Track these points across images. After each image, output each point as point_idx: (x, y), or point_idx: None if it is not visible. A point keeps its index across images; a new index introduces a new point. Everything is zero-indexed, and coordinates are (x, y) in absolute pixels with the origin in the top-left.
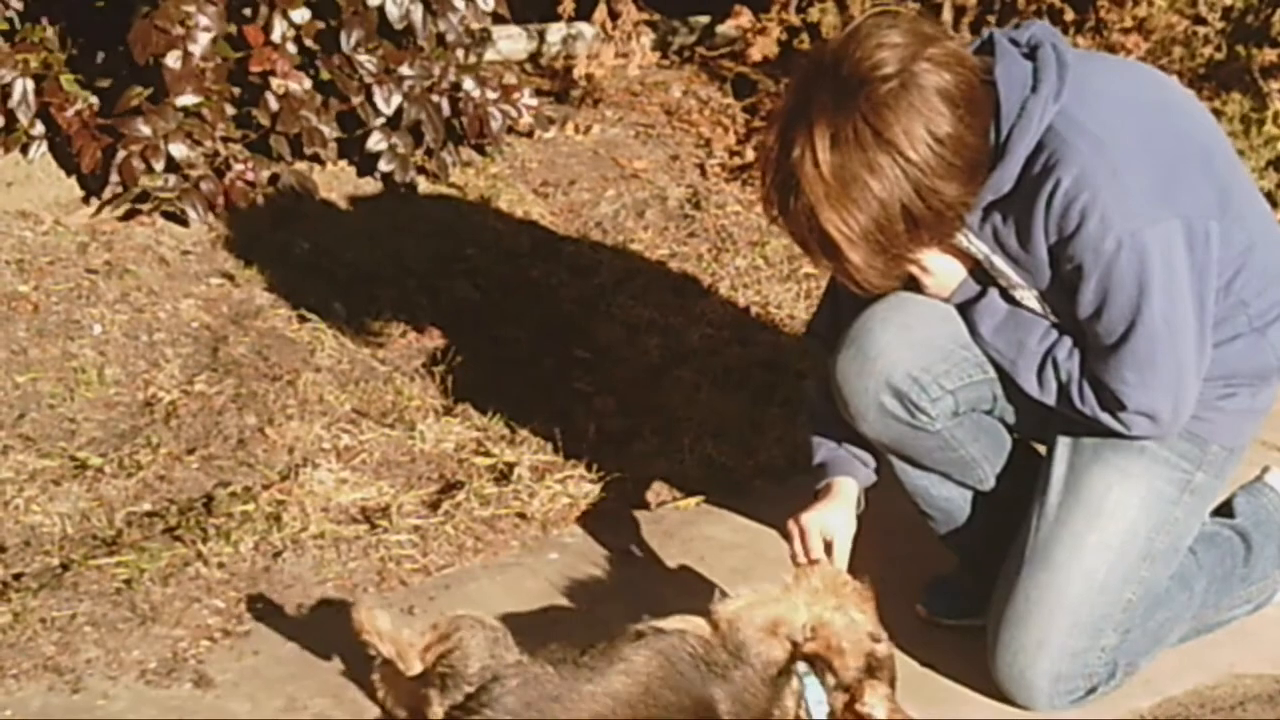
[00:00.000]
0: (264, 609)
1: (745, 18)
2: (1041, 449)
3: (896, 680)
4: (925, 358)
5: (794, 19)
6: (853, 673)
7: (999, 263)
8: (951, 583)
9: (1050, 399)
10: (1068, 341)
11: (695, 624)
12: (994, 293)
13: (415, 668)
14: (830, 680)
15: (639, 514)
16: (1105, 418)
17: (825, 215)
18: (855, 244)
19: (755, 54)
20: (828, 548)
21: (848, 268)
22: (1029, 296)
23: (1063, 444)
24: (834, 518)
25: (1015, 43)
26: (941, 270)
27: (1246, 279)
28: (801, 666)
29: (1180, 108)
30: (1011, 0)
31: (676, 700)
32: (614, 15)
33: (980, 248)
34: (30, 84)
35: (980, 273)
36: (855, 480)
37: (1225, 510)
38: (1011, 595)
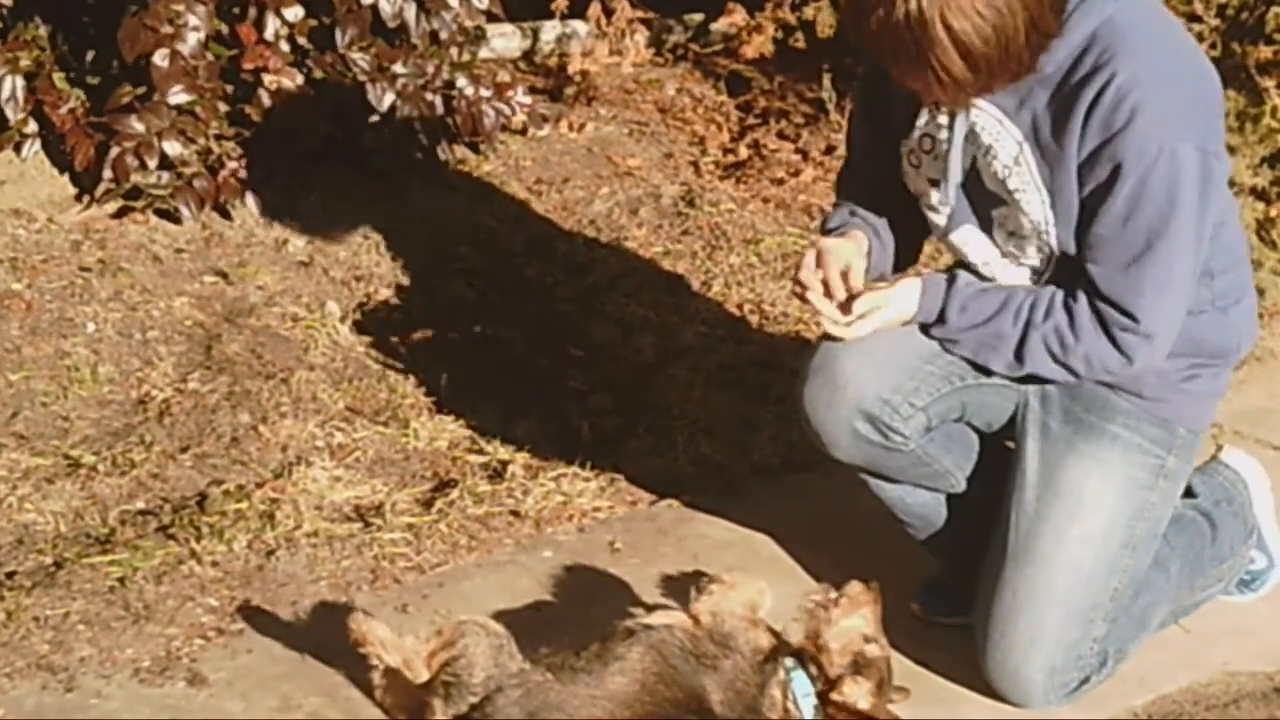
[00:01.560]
0: (257, 607)
1: (739, 15)
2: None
3: (887, 684)
4: (893, 379)
5: (789, 16)
6: (838, 669)
7: (1028, 152)
8: (947, 581)
9: (1037, 365)
10: (1041, 303)
11: (678, 618)
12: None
13: (423, 676)
14: (816, 673)
15: (633, 512)
16: (1103, 348)
17: (954, 19)
18: (969, 54)
19: (749, 52)
20: (844, 275)
21: (942, 76)
22: (1035, 202)
23: (1032, 438)
24: (847, 247)
25: None
26: (891, 320)
27: (1214, 251)
28: (789, 661)
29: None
30: None
31: (671, 695)
32: (608, 12)
33: (1014, 133)
34: (21, 81)
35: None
36: (866, 237)
37: (1186, 492)
38: (998, 592)
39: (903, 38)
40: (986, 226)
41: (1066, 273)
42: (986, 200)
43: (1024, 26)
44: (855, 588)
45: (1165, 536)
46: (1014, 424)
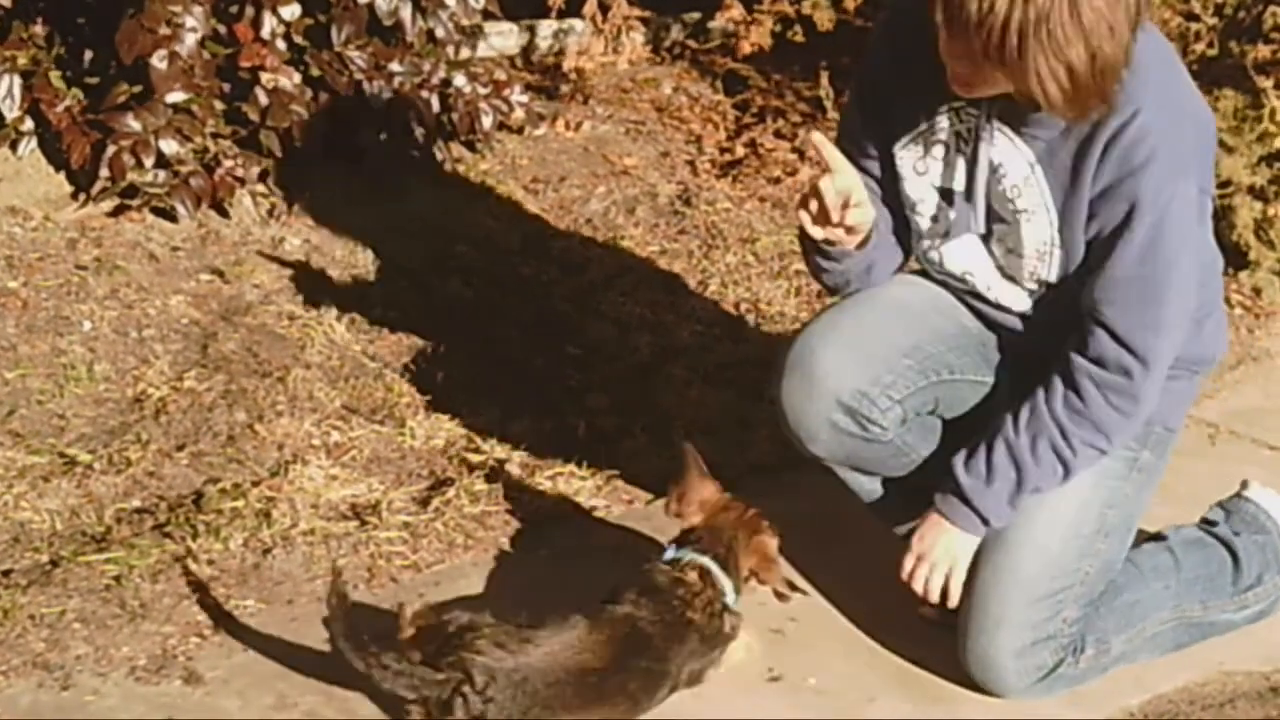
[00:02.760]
0: (254, 605)
1: (736, 11)
2: None
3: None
4: (871, 371)
5: (788, 9)
6: (694, 509)
7: (1039, 174)
8: None
9: (1077, 467)
10: (1042, 432)
11: None
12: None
13: (407, 633)
14: (696, 539)
15: (629, 511)
16: (1107, 413)
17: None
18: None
19: (747, 45)
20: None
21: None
22: (1042, 224)
23: None
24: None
25: None
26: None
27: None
28: (670, 548)
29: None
30: None
31: (611, 632)
32: (604, 9)
33: (1026, 154)
34: (18, 80)
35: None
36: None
37: (1203, 521)
38: (971, 582)
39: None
40: (985, 239)
41: (1059, 310)
42: (988, 215)
43: (1121, 56)
44: None
45: (1173, 551)
46: (974, 410)
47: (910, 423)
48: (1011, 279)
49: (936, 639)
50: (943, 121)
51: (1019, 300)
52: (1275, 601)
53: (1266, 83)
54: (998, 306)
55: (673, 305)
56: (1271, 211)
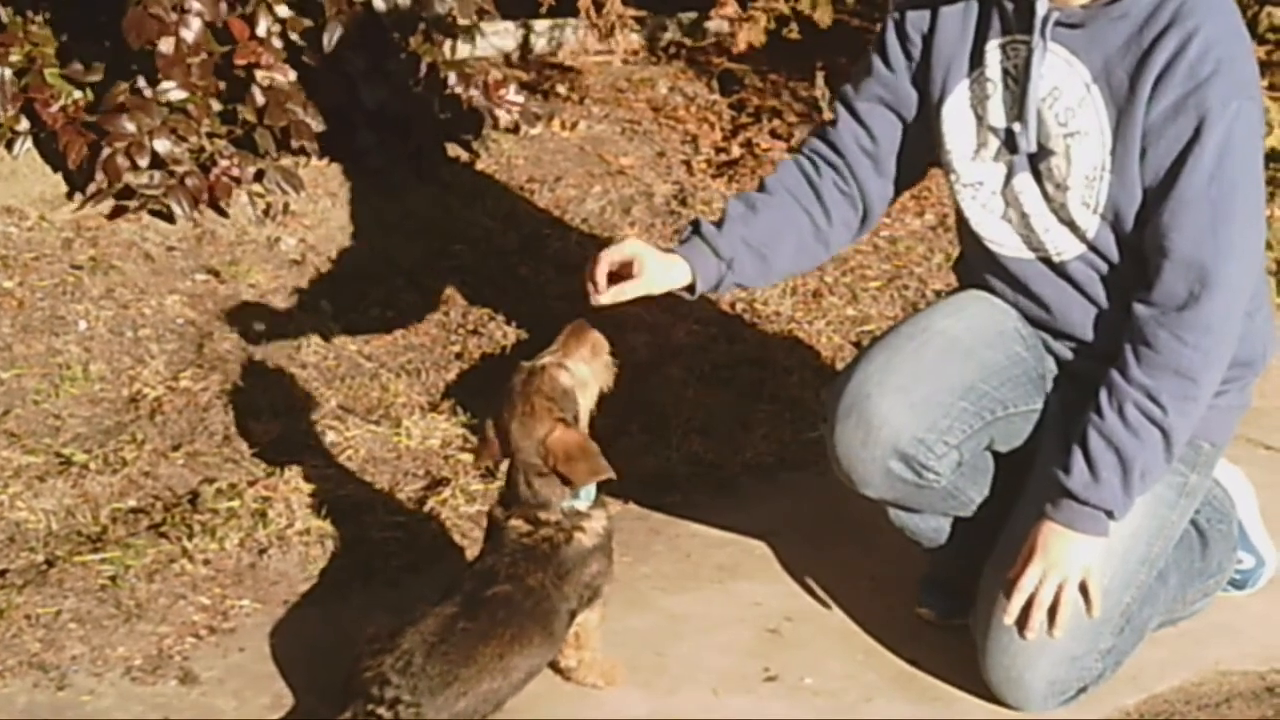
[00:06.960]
0: (250, 605)
1: (731, 8)
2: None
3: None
4: (928, 417)
5: (783, 7)
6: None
7: (1096, 93)
8: (944, 578)
9: (1178, 424)
10: (1119, 399)
11: None
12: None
13: None
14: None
15: (625, 511)
16: (1178, 352)
17: None
18: None
19: (741, 43)
20: (627, 268)
21: None
22: (1094, 145)
23: (1056, 449)
24: (643, 249)
25: None
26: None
27: None
28: (499, 512)
29: None
30: None
31: (464, 586)
32: (598, 5)
33: (1083, 74)
34: (9, 75)
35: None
36: (692, 270)
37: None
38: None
39: None
40: (1037, 179)
41: (1120, 265)
42: (1039, 148)
43: None
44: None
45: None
46: (1036, 446)
47: (964, 465)
48: (1066, 222)
49: (934, 639)
50: (992, 59)
51: (1073, 246)
52: (1220, 585)
53: (1263, 83)
54: (1058, 270)
55: (669, 305)
56: (1265, 212)
